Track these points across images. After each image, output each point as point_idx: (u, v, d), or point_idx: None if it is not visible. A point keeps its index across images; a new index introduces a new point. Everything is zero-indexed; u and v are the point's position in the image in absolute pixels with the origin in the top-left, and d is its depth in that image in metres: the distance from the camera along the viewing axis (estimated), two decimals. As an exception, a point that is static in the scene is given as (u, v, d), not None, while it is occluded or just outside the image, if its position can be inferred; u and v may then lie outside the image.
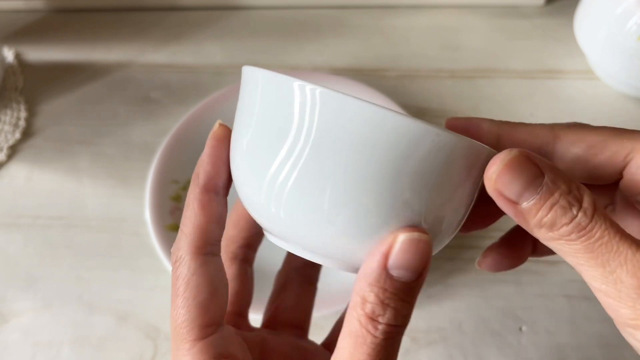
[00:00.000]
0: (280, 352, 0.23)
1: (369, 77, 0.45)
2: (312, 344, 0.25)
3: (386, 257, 0.17)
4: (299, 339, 0.25)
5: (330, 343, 0.26)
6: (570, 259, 0.17)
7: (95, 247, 0.37)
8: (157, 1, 0.50)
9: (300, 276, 0.26)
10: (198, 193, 0.20)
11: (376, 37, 0.47)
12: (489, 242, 0.36)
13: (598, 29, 0.40)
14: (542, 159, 0.17)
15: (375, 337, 0.17)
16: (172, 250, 0.20)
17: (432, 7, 0.49)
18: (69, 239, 0.37)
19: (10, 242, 0.37)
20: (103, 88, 0.45)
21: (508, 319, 0.34)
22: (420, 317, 0.33)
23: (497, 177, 0.17)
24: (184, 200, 0.37)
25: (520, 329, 0.34)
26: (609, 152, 0.20)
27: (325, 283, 0.34)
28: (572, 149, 0.20)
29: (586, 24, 0.41)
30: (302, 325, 0.26)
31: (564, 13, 0.47)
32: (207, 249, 0.20)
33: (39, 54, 0.47)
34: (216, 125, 0.21)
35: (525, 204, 0.17)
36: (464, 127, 0.21)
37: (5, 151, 0.41)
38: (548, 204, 0.17)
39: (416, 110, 0.42)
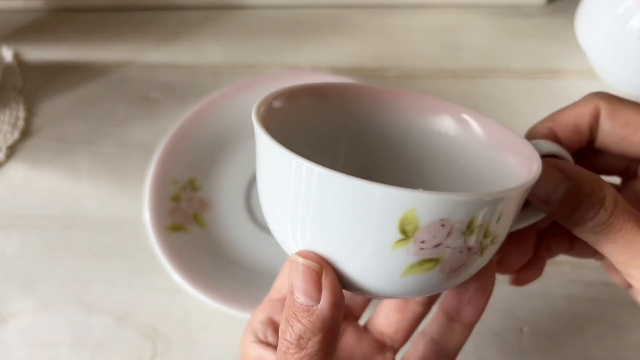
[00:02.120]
0: None
1: (369, 76, 0.45)
2: None
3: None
4: None
5: None
6: (601, 249, 0.20)
7: (94, 247, 0.37)
8: (156, 1, 0.50)
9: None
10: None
11: (377, 36, 0.47)
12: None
13: (599, 29, 0.39)
14: (569, 165, 0.20)
15: (281, 350, 0.18)
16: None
17: (432, 6, 0.49)
18: (67, 239, 0.37)
19: (9, 242, 0.37)
20: (102, 88, 0.45)
21: (509, 320, 0.34)
22: (421, 318, 0.33)
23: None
24: (184, 200, 0.37)
25: (521, 329, 0.33)
26: None
27: None
28: (611, 123, 0.22)
29: (587, 23, 0.41)
30: None
31: (565, 13, 0.47)
32: None
33: (38, 53, 0.47)
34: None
35: (555, 203, 0.20)
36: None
37: (4, 151, 0.41)
38: (574, 201, 0.20)
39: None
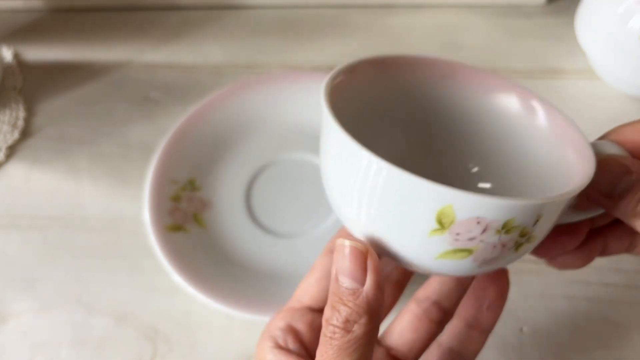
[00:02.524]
0: None
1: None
2: None
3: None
4: None
5: None
6: None
7: (94, 247, 0.37)
8: (156, 1, 0.50)
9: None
10: None
11: (377, 36, 0.47)
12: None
13: (599, 29, 0.39)
14: (632, 160, 0.20)
15: (326, 337, 0.19)
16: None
17: (433, 6, 0.49)
18: (67, 239, 0.37)
19: (9, 242, 0.37)
20: (102, 88, 0.45)
21: (509, 320, 0.34)
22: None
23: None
24: (183, 200, 0.37)
25: (521, 329, 0.33)
26: None
27: None
28: None
29: (587, 23, 0.41)
30: None
31: (565, 12, 0.47)
32: None
33: (38, 53, 0.47)
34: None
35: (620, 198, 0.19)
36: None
37: (3, 151, 0.41)
38: (637, 197, 0.19)
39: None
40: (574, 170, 0.21)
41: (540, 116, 0.23)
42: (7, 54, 0.47)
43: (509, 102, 0.24)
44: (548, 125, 0.23)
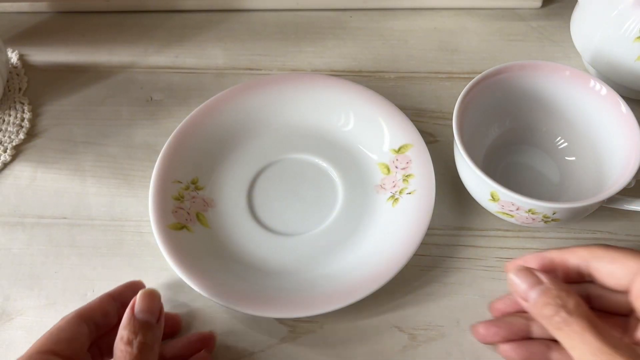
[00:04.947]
0: None
1: (368, 78, 0.45)
2: None
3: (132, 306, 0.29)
4: None
5: None
6: (562, 342, 0.26)
7: (98, 246, 0.37)
8: (160, 3, 0.50)
9: None
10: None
11: (375, 39, 0.48)
12: (485, 241, 0.37)
13: (594, 31, 0.40)
14: (543, 273, 0.27)
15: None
16: None
17: (430, 9, 0.50)
18: (72, 238, 0.38)
19: (15, 241, 0.38)
20: (106, 89, 0.45)
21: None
22: (419, 314, 0.34)
23: (511, 279, 0.28)
24: (186, 199, 0.37)
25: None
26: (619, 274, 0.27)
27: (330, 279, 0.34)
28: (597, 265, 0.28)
29: (582, 26, 0.42)
30: None
31: (561, 15, 0.48)
32: None
33: (43, 55, 0.48)
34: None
35: (531, 301, 0.27)
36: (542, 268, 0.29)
37: (9, 151, 0.42)
38: (543, 301, 0.26)
39: (414, 112, 0.43)
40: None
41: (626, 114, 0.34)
42: (13, 55, 0.47)
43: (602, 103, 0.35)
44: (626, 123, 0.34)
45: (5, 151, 0.42)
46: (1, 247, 0.38)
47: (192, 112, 0.40)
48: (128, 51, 0.48)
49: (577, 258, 0.29)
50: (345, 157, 0.40)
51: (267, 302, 0.32)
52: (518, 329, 0.30)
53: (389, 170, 0.38)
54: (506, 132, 0.39)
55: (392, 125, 0.39)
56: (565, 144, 0.38)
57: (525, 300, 0.27)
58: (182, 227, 0.36)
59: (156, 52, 0.48)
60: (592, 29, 0.40)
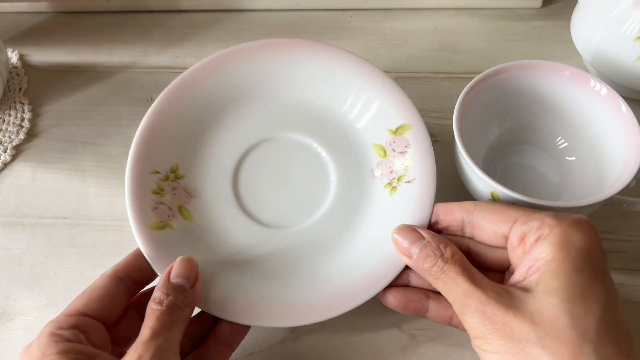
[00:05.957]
0: None
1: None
2: None
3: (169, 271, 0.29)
4: None
5: None
6: (440, 289, 0.28)
7: (98, 246, 0.37)
8: (160, 3, 0.50)
9: None
10: None
11: (375, 39, 0.48)
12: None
13: (594, 31, 0.40)
14: (424, 229, 0.30)
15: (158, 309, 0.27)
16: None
17: (430, 9, 0.50)
18: (72, 238, 0.38)
19: (15, 241, 0.38)
20: (106, 89, 0.45)
21: None
22: (419, 315, 0.34)
23: (394, 238, 0.30)
24: (166, 192, 0.34)
25: None
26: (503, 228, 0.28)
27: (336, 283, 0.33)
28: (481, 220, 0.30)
29: (582, 26, 0.42)
30: None
31: (561, 15, 0.48)
32: None
33: (43, 55, 0.48)
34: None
35: (414, 256, 0.29)
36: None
37: (9, 151, 0.42)
38: (424, 254, 0.28)
39: (415, 112, 0.43)
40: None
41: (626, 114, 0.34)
42: (13, 55, 0.47)
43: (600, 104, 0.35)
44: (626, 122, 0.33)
45: (5, 151, 0.42)
46: (1, 247, 0.38)
47: (166, 89, 0.36)
48: (128, 51, 0.48)
49: (462, 210, 0.30)
50: (336, 136, 0.36)
51: (261, 310, 0.30)
52: (399, 277, 0.31)
53: (385, 152, 0.36)
54: (506, 132, 0.39)
55: (389, 102, 0.36)
56: (566, 144, 0.38)
57: (409, 257, 0.29)
58: (164, 225, 0.33)
59: (156, 52, 0.48)
60: (592, 28, 0.40)
